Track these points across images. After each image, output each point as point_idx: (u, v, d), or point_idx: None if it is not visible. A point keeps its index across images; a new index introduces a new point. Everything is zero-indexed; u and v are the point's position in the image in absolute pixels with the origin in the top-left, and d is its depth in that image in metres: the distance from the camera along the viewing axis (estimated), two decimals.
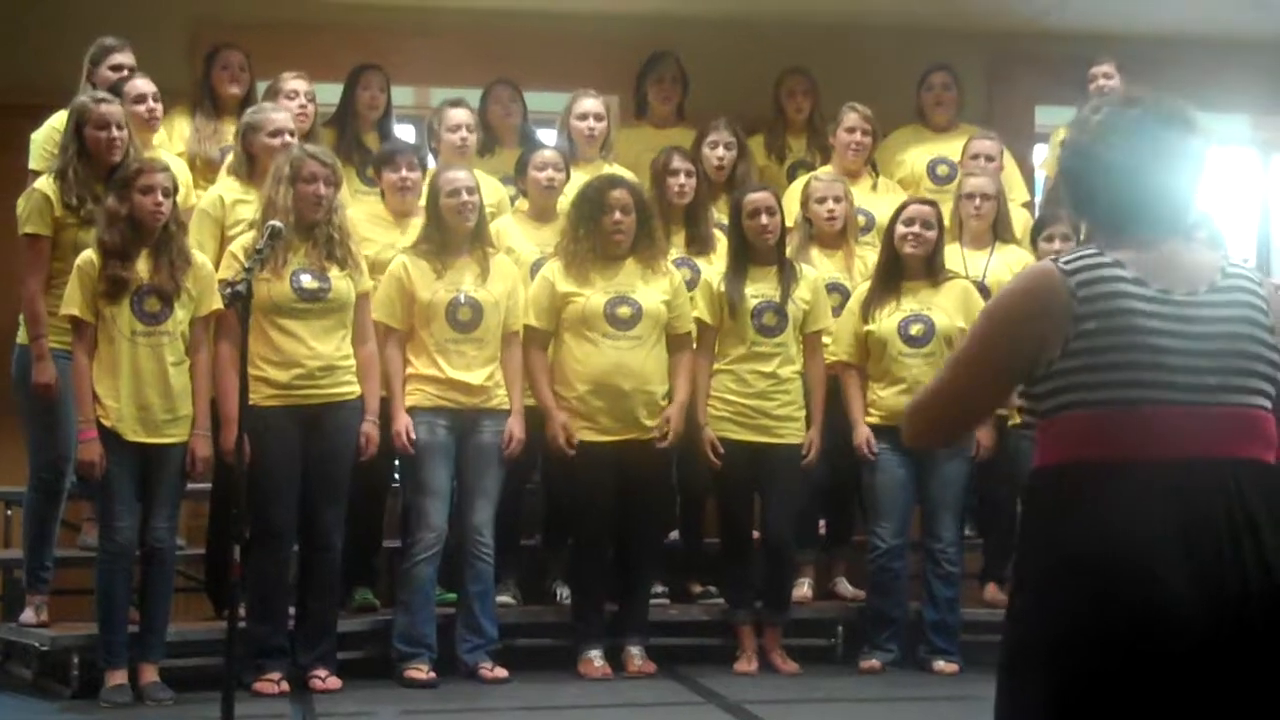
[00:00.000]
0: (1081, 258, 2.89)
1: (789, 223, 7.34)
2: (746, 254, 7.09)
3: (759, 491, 7.12)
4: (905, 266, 7.15)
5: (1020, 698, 2.84)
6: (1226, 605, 2.72)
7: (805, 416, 7.11)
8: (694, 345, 7.07)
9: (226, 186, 6.86)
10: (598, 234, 6.89)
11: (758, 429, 7.04)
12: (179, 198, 6.43)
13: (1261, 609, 2.74)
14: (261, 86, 7.55)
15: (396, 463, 6.96)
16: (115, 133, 6.44)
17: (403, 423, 6.63)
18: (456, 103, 7.61)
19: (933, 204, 7.30)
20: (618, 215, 6.88)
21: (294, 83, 7.32)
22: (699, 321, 7.09)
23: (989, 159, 8.00)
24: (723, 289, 7.05)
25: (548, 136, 8.03)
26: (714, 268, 7.25)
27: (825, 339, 7.22)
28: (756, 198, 7.11)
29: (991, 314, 2.98)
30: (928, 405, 2.97)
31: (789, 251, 7.22)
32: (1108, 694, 2.73)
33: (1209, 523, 2.74)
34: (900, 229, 7.13)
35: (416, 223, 6.98)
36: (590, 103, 7.77)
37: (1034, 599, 2.85)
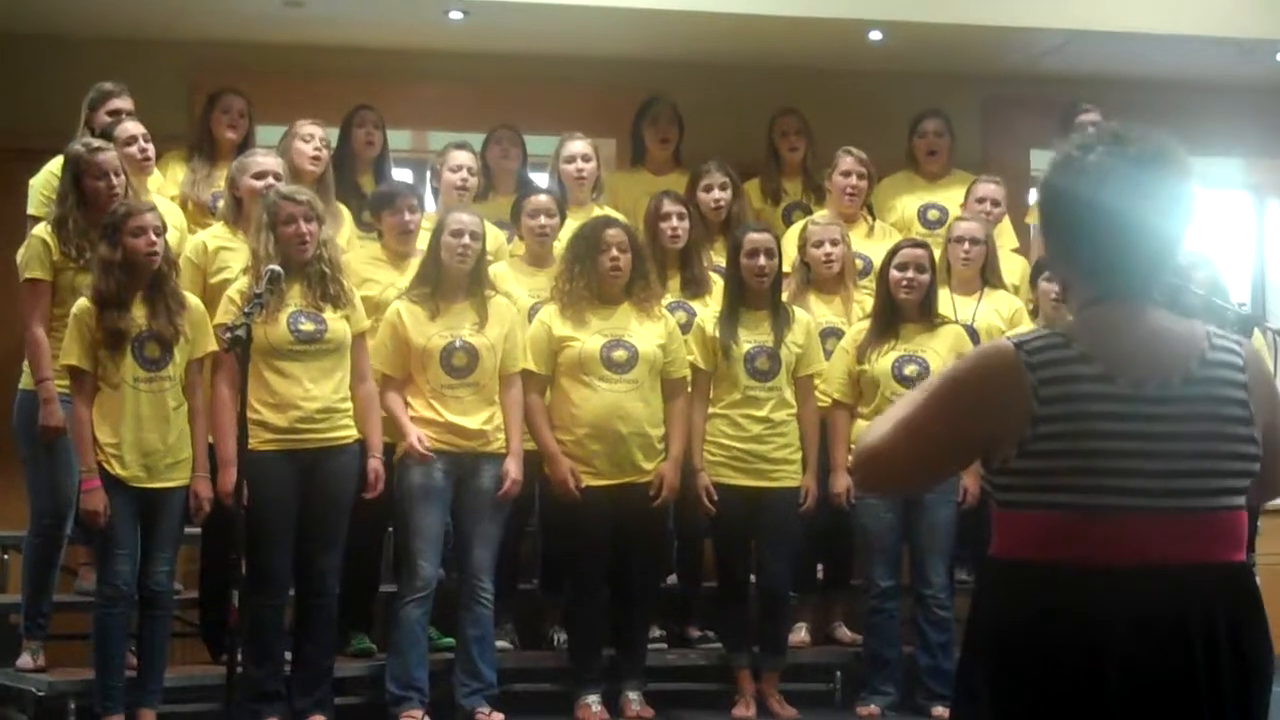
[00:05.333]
0: (1048, 346, 2.72)
1: (786, 267, 7.34)
2: (741, 296, 7.09)
3: (755, 536, 7.10)
4: (900, 309, 7.16)
5: None
6: (1193, 695, 2.65)
7: (801, 459, 7.11)
8: (689, 390, 7.06)
9: (212, 233, 6.86)
10: (594, 273, 6.89)
11: (754, 473, 7.02)
12: (172, 241, 6.43)
13: (1235, 703, 2.68)
14: (261, 132, 7.57)
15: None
16: (114, 180, 6.44)
17: (414, 434, 6.58)
18: (461, 145, 7.64)
19: (925, 246, 7.28)
20: (615, 253, 6.88)
21: (310, 127, 7.31)
22: (692, 366, 7.07)
23: (995, 203, 7.99)
24: (715, 334, 7.04)
25: (542, 179, 8.04)
26: (709, 310, 7.24)
27: (817, 382, 7.21)
28: (757, 238, 7.09)
29: (943, 394, 2.77)
30: (875, 460, 2.81)
31: (786, 295, 7.23)
32: None
33: (1170, 626, 2.64)
34: (894, 274, 7.14)
35: (415, 263, 6.98)
36: (577, 145, 7.79)
37: (983, 678, 2.76)
